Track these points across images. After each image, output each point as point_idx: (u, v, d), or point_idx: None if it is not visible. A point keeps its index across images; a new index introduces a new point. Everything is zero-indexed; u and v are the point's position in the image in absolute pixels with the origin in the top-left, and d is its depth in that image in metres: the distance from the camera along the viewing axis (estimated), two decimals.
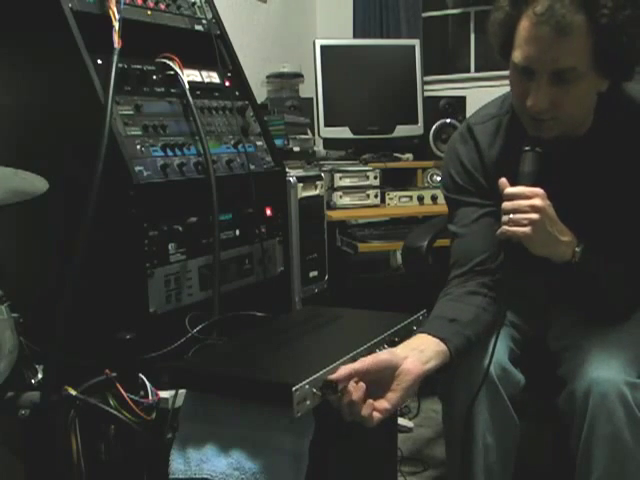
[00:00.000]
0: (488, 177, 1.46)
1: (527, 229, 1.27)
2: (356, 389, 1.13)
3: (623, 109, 1.39)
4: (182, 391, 1.30)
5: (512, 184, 1.31)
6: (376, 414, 1.15)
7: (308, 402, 1.14)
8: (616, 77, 1.32)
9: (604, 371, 1.27)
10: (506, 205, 1.29)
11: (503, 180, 1.31)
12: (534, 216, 1.27)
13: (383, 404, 1.16)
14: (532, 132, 1.35)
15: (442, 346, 1.26)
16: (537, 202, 1.27)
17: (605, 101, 1.36)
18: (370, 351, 1.31)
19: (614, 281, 1.39)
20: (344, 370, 1.14)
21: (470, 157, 1.49)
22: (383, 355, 1.21)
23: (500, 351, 1.39)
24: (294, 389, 1.11)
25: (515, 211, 1.28)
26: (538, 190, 1.28)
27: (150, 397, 1.34)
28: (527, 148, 1.33)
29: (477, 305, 1.38)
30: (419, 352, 1.23)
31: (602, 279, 1.38)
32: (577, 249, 1.33)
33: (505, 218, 1.29)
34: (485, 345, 1.38)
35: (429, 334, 1.27)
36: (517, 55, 1.28)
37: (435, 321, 1.34)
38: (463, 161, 1.50)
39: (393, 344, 1.36)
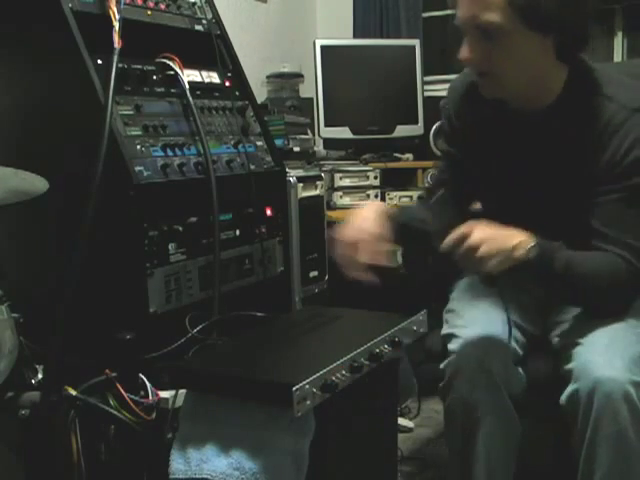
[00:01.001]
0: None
1: (481, 265, 1.29)
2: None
3: (589, 90, 1.42)
4: (182, 391, 1.30)
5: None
6: None
7: (308, 402, 1.14)
8: (560, 40, 1.35)
9: (608, 370, 1.26)
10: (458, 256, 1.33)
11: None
12: (479, 253, 1.29)
13: None
14: (480, 90, 1.44)
15: None
16: (474, 239, 1.29)
17: (575, 79, 1.41)
18: (370, 351, 1.31)
19: (588, 268, 1.37)
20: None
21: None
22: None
23: (503, 351, 1.39)
24: (294, 389, 1.11)
25: (463, 257, 1.30)
26: (466, 230, 1.30)
27: (150, 397, 1.34)
28: None
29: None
30: None
31: (572, 271, 1.35)
32: (530, 246, 1.32)
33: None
34: (485, 345, 1.38)
35: None
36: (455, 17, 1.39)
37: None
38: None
39: (393, 344, 1.37)
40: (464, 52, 1.38)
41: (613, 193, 1.39)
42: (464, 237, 1.30)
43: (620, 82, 1.45)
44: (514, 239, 1.31)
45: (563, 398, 1.32)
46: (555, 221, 1.41)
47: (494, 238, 1.30)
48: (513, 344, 1.46)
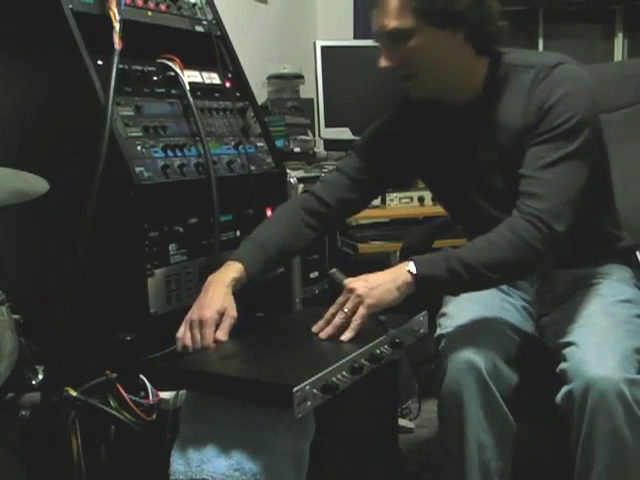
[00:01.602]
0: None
1: (369, 310, 1.35)
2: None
3: (509, 70, 1.50)
4: (182, 392, 1.30)
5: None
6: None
7: (309, 403, 1.14)
8: (471, 35, 1.43)
9: (601, 370, 1.27)
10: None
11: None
12: (363, 310, 1.35)
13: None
14: (409, 94, 1.54)
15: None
16: (353, 301, 1.36)
17: (493, 69, 1.50)
18: (371, 352, 1.31)
19: (489, 257, 1.37)
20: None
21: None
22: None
23: (493, 350, 1.40)
24: (295, 390, 1.11)
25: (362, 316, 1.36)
26: (341, 300, 1.38)
27: (150, 398, 1.34)
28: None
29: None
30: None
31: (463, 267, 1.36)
32: (407, 268, 1.37)
33: None
34: (476, 342, 1.39)
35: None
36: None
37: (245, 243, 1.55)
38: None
39: (394, 345, 1.37)
40: (383, 61, 1.47)
41: (538, 137, 1.42)
42: (346, 300, 1.37)
43: (535, 53, 1.55)
44: (389, 272, 1.39)
45: (558, 398, 1.33)
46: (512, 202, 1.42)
47: (371, 281, 1.37)
48: (506, 343, 1.47)
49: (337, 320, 1.37)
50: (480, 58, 1.48)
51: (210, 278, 1.46)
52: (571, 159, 1.39)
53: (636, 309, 1.48)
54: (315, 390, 1.15)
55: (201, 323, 1.37)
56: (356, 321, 1.34)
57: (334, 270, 1.47)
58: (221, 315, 1.39)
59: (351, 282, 1.38)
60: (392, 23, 1.42)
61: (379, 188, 1.75)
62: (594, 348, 1.33)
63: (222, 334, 1.38)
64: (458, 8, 1.39)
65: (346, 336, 1.33)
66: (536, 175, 1.39)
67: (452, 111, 1.54)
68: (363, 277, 1.39)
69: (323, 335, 1.37)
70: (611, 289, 1.53)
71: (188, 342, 1.37)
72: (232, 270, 1.47)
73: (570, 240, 1.39)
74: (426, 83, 1.48)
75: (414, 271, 1.36)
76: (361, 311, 1.35)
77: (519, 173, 1.42)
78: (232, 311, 1.41)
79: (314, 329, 1.39)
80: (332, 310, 1.38)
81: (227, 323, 1.39)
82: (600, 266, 1.59)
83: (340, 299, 1.38)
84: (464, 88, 1.51)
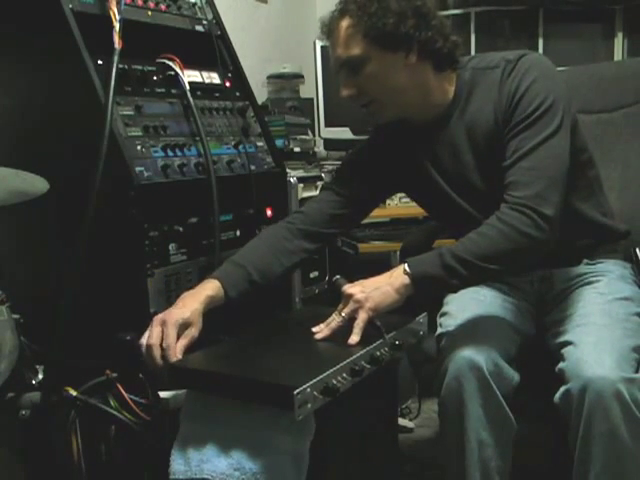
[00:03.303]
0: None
1: (369, 314, 1.35)
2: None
3: (472, 80, 1.53)
4: (182, 391, 1.30)
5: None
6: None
7: (309, 405, 1.14)
8: (424, 54, 1.46)
9: (598, 369, 1.27)
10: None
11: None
12: (363, 314, 1.35)
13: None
14: (371, 120, 1.58)
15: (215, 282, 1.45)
16: (351, 306, 1.36)
17: (459, 79, 1.53)
18: (371, 354, 1.31)
19: (483, 249, 1.37)
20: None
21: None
22: None
23: (493, 349, 1.40)
24: (296, 392, 1.11)
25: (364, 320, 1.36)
26: (341, 309, 1.38)
27: (150, 397, 1.34)
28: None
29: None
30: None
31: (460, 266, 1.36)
32: (403, 267, 1.38)
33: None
34: (476, 341, 1.39)
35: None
36: None
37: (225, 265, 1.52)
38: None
39: (394, 347, 1.37)
40: (342, 91, 1.50)
41: (514, 128, 1.43)
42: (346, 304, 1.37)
43: (496, 53, 1.55)
44: (386, 276, 1.39)
45: (556, 398, 1.33)
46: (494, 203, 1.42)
47: (368, 285, 1.38)
48: (507, 343, 1.47)
49: (334, 323, 1.37)
50: (440, 74, 1.50)
51: (185, 293, 1.43)
52: (549, 141, 1.40)
53: (635, 307, 1.48)
54: (316, 392, 1.15)
55: (164, 322, 1.33)
56: (358, 325, 1.34)
57: (338, 277, 1.47)
58: (185, 328, 1.35)
59: (349, 288, 1.38)
60: (345, 53, 1.46)
61: (367, 207, 1.71)
62: (591, 347, 1.33)
63: (178, 351, 1.31)
64: (405, 30, 1.42)
65: (352, 339, 1.33)
66: (517, 164, 1.40)
67: (424, 124, 1.56)
68: (360, 282, 1.39)
69: (319, 336, 1.38)
70: (610, 287, 1.53)
71: (150, 340, 1.31)
72: (208, 288, 1.43)
73: (560, 234, 1.39)
74: (387, 107, 1.50)
75: (410, 271, 1.36)
76: (362, 315, 1.35)
77: (502, 167, 1.42)
78: (194, 331, 1.35)
79: (314, 330, 1.39)
80: (333, 316, 1.39)
81: (185, 340, 1.33)
82: (599, 263, 1.59)
83: (340, 306, 1.39)
84: (429, 105, 1.53)
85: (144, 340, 1.33)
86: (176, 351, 1.31)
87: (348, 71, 1.48)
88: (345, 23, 1.46)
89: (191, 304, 1.38)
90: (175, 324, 1.33)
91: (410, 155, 1.60)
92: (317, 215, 1.62)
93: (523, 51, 1.50)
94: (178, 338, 1.33)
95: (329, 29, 1.51)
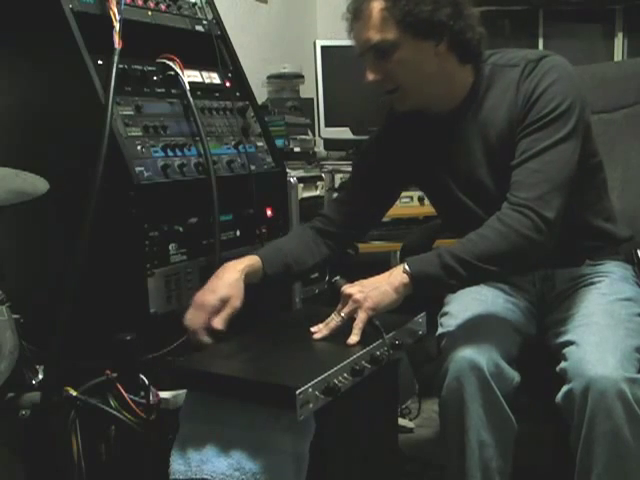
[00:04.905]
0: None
1: (368, 313, 1.35)
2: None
3: (491, 76, 1.52)
4: (182, 391, 1.30)
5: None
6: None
7: (311, 405, 1.14)
8: (453, 45, 1.45)
9: (601, 369, 1.27)
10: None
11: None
12: (362, 314, 1.35)
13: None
14: (393, 106, 1.55)
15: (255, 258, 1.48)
16: (350, 306, 1.37)
17: (478, 74, 1.52)
18: (372, 354, 1.31)
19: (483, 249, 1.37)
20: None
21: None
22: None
23: (494, 349, 1.40)
24: (298, 392, 1.11)
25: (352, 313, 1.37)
26: (340, 309, 1.38)
27: (150, 397, 1.34)
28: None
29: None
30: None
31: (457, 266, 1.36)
32: (403, 266, 1.38)
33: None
34: (477, 341, 1.39)
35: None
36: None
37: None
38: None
39: (394, 347, 1.37)
40: (368, 76, 1.48)
41: (527, 128, 1.43)
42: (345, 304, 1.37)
43: (517, 51, 1.53)
44: (385, 275, 1.39)
45: (558, 397, 1.33)
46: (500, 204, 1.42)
47: (367, 285, 1.38)
48: (507, 343, 1.47)
49: (333, 323, 1.37)
50: (464, 66, 1.50)
51: (226, 264, 1.46)
52: (560, 145, 1.40)
53: (637, 308, 1.48)
54: (317, 392, 1.15)
55: (201, 307, 1.38)
56: (358, 325, 1.34)
57: (337, 278, 1.47)
58: (225, 302, 1.39)
59: (347, 288, 1.38)
60: (376, 36, 1.43)
61: (385, 201, 1.72)
62: (594, 347, 1.33)
63: (219, 322, 1.37)
64: (440, 18, 1.40)
65: (352, 339, 1.33)
66: (524, 165, 1.40)
67: (439, 117, 1.55)
68: (359, 282, 1.39)
69: (317, 336, 1.38)
70: (612, 287, 1.53)
71: (189, 323, 1.38)
72: (249, 259, 1.47)
73: (563, 235, 1.39)
74: (411, 95, 1.50)
75: (409, 271, 1.36)
76: (361, 315, 1.35)
77: (510, 166, 1.42)
78: (235, 301, 1.40)
79: (312, 330, 1.39)
80: (332, 316, 1.39)
81: (226, 312, 1.39)
82: (601, 264, 1.59)
83: (339, 306, 1.39)
84: (449, 96, 1.52)
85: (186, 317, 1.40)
86: (219, 323, 1.37)
87: (376, 55, 1.45)
88: (379, 5, 1.42)
89: (232, 275, 1.42)
90: (211, 310, 1.38)
91: (422, 151, 1.59)
92: (337, 217, 1.63)
93: (545, 52, 1.50)
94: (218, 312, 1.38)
95: (357, 9, 1.45)
